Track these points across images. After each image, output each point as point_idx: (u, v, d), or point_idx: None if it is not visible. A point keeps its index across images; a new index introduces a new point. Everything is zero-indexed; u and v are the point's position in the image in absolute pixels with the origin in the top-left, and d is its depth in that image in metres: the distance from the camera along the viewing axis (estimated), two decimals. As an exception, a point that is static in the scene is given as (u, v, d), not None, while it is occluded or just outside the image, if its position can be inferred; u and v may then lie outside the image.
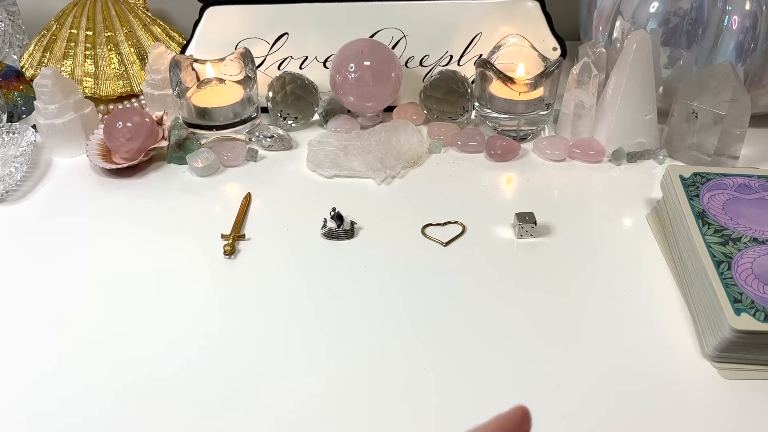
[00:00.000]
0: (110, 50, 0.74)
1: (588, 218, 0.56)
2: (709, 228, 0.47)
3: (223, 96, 0.66)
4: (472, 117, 0.70)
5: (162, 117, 0.65)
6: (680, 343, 0.44)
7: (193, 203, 0.60)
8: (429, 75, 0.71)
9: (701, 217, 0.48)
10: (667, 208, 0.53)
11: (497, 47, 0.67)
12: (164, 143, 0.64)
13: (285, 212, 0.58)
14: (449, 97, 0.68)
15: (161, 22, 0.78)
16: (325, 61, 0.71)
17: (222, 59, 0.66)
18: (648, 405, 0.40)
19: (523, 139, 0.67)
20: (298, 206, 0.58)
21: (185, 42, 0.71)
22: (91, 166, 0.64)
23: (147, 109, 0.71)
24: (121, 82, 0.73)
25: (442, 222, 0.56)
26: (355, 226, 0.55)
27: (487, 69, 0.64)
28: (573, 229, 0.55)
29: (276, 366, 0.43)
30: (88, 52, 0.73)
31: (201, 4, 0.70)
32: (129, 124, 0.62)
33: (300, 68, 0.71)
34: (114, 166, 0.62)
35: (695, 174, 0.53)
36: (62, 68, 0.73)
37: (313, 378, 0.42)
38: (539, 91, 0.64)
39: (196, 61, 0.66)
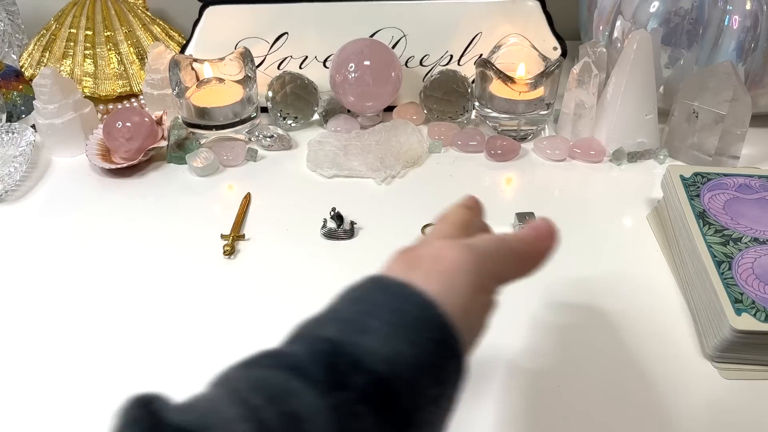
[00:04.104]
0: (110, 50, 0.74)
1: (588, 218, 0.56)
2: (709, 228, 0.47)
3: (222, 96, 0.65)
4: (473, 117, 0.70)
5: (161, 117, 0.65)
6: (681, 343, 0.44)
7: (193, 203, 0.59)
8: (429, 75, 0.71)
9: (702, 217, 0.48)
10: (668, 208, 0.53)
11: (497, 47, 0.67)
12: (164, 143, 0.64)
13: (285, 212, 0.57)
14: (449, 96, 0.68)
15: (161, 22, 0.78)
16: (325, 60, 0.71)
17: (221, 59, 0.66)
18: (649, 405, 0.40)
19: (524, 138, 0.66)
20: (298, 206, 0.58)
21: (185, 42, 0.71)
22: (90, 165, 0.64)
23: (146, 108, 0.71)
24: (120, 82, 0.73)
25: (442, 222, 0.55)
26: (355, 226, 0.55)
27: (487, 69, 0.64)
28: (573, 229, 0.55)
29: (276, 366, 0.43)
30: (87, 52, 0.73)
31: (201, 4, 0.70)
32: (128, 124, 0.62)
33: (300, 68, 0.71)
34: (113, 166, 0.62)
35: (696, 174, 0.53)
36: (61, 68, 0.73)
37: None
38: (539, 91, 0.64)
39: (195, 60, 0.66)
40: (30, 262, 0.53)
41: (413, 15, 0.69)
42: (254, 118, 0.68)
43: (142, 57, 0.74)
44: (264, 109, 0.70)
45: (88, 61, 0.73)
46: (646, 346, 0.44)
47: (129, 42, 0.74)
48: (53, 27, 0.75)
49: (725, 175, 0.53)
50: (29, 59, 0.75)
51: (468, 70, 0.70)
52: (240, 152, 0.64)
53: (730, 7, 0.59)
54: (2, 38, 0.81)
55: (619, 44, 0.66)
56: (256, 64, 0.69)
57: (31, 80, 0.73)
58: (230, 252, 0.52)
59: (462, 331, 0.25)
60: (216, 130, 0.66)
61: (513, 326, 0.45)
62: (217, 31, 0.70)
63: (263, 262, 0.52)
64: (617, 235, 0.54)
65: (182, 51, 0.71)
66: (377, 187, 0.61)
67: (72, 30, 0.74)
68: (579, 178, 0.62)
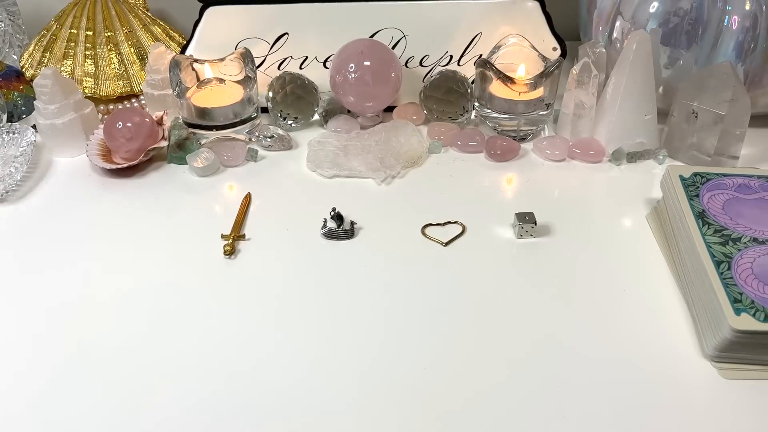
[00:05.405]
0: (110, 50, 0.74)
1: (588, 218, 0.56)
2: (709, 228, 0.47)
3: (223, 96, 0.66)
4: (472, 117, 0.70)
5: (162, 117, 0.65)
6: (680, 343, 0.44)
7: (193, 203, 0.60)
8: (429, 75, 0.71)
9: (701, 217, 0.48)
10: (667, 208, 0.53)
11: (497, 47, 0.67)
12: (164, 143, 0.64)
13: (285, 212, 0.58)
14: (449, 97, 0.68)
15: (161, 22, 0.78)
16: (325, 61, 0.71)
17: (222, 59, 0.66)
18: (648, 405, 0.40)
19: (523, 139, 0.67)
20: (298, 206, 0.58)
21: (185, 42, 0.71)
22: (91, 166, 0.64)
23: (147, 109, 0.71)
24: (121, 82, 0.73)
25: (442, 222, 0.56)
26: (355, 226, 0.55)
27: (487, 69, 0.64)
28: (573, 229, 0.55)
29: (276, 366, 0.43)
30: (88, 52, 0.73)
31: (201, 4, 0.70)
32: (129, 124, 0.62)
33: (300, 68, 0.71)
34: (114, 166, 0.62)
35: (695, 174, 0.53)
36: (62, 68, 0.73)
37: (313, 378, 0.42)
38: (539, 91, 0.64)
39: (196, 61, 0.66)
40: (31, 262, 0.53)
41: (413, 15, 0.69)
42: (254, 118, 0.68)
43: (142, 57, 0.75)
44: (264, 110, 0.70)
45: (89, 61, 0.73)
46: (645, 346, 0.44)
47: (129, 42, 0.74)
48: (54, 27, 0.76)
49: (724, 175, 0.53)
50: (30, 59, 0.75)
51: (468, 70, 0.70)
52: (240, 152, 0.64)
53: (730, 8, 0.59)
54: (3, 38, 0.81)
55: (618, 45, 0.66)
56: (257, 64, 0.69)
57: (31, 80, 0.73)
58: (230, 252, 0.52)
59: None
60: (216, 130, 0.66)
61: (512, 326, 0.45)
62: (218, 32, 0.70)
63: (263, 262, 0.52)
64: (616, 235, 0.54)
65: (183, 51, 0.71)
66: (377, 187, 0.61)
67: (72, 30, 0.74)
68: (578, 178, 0.62)
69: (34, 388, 0.42)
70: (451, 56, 0.71)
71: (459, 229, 0.55)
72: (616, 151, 0.62)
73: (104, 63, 0.73)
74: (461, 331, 0.45)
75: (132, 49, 0.74)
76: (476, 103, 0.68)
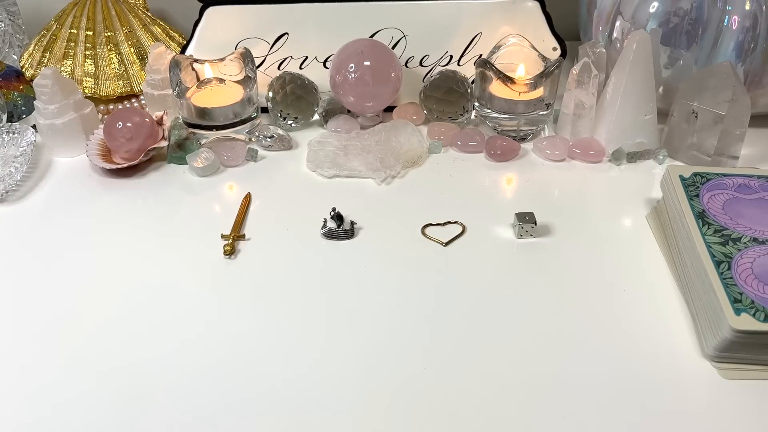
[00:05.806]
0: (110, 50, 0.74)
1: (588, 218, 0.56)
2: (709, 228, 0.47)
3: (223, 96, 0.66)
4: (472, 117, 0.70)
5: (162, 117, 0.65)
6: (680, 343, 0.44)
7: (193, 203, 0.60)
8: (429, 75, 0.71)
9: (701, 217, 0.48)
10: (667, 208, 0.53)
11: (497, 47, 0.67)
12: (164, 143, 0.64)
13: (285, 212, 0.58)
14: (449, 97, 0.68)
15: (161, 22, 0.78)
16: (325, 61, 0.71)
17: (222, 59, 0.66)
18: (648, 405, 0.40)
19: (523, 139, 0.67)
20: (298, 206, 0.58)
21: (185, 42, 0.71)
22: (91, 166, 0.64)
23: (147, 109, 0.71)
24: (121, 82, 0.73)
25: (442, 222, 0.56)
26: (355, 226, 0.55)
27: (487, 69, 0.64)
28: (573, 229, 0.55)
29: (276, 366, 0.43)
30: (88, 52, 0.73)
31: (201, 4, 0.70)
32: (129, 124, 0.62)
33: (300, 68, 0.71)
34: (114, 166, 0.62)
35: (695, 174, 0.53)
36: (62, 68, 0.73)
37: (313, 378, 0.42)
38: (539, 91, 0.64)
39: (196, 61, 0.66)
40: (31, 263, 0.53)
41: (413, 15, 0.69)
42: (254, 118, 0.68)
43: (142, 57, 0.75)
44: (264, 110, 0.70)
45: (89, 61, 0.73)
46: (645, 345, 0.44)
47: (129, 42, 0.74)
48: (54, 27, 0.76)
49: (724, 175, 0.53)
50: (30, 59, 0.75)
51: (468, 70, 0.70)
52: (240, 152, 0.64)
53: (730, 8, 0.59)
54: (3, 38, 0.81)
55: (618, 44, 0.66)
56: (257, 64, 0.69)
57: (31, 80, 0.73)
58: (230, 252, 0.52)
59: None
60: (216, 130, 0.66)
61: (512, 326, 0.45)
62: (218, 32, 0.70)
63: (263, 262, 0.52)
64: (617, 235, 0.54)
65: (183, 51, 0.71)
66: (377, 187, 0.61)
67: (72, 30, 0.74)
68: (578, 178, 0.62)
69: (34, 386, 0.42)
70: (451, 56, 0.71)
71: (459, 229, 0.55)
72: (616, 151, 0.62)
73: (104, 63, 0.73)
74: (461, 330, 0.45)
75: (132, 49, 0.74)
76: (476, 103, 0.68)
